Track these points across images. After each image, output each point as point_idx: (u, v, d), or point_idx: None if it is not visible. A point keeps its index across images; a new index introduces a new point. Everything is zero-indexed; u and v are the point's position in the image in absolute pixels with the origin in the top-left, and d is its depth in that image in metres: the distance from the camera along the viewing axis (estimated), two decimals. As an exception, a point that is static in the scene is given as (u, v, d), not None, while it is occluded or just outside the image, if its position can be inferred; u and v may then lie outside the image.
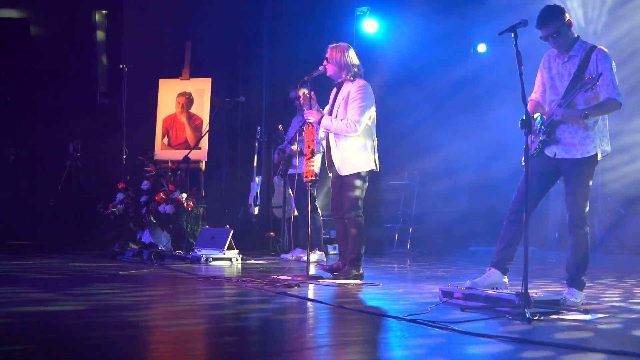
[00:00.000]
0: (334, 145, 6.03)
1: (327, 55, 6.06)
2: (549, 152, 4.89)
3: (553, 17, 4.80)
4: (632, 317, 4.48)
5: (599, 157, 4.82)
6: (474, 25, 11.92)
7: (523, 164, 4.41)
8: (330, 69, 6.04)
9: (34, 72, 10.47)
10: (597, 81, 4.56)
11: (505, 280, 4.98)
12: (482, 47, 12.13)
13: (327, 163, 6.14)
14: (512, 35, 4.40)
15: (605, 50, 4.81)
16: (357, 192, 5.97)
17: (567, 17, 4.83)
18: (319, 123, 5.99)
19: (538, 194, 4.95)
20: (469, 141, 11.83)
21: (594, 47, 4.82)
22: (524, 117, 4.30)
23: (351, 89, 5.99)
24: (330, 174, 6.18)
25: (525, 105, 4.32)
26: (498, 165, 10.82)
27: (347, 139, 5.95)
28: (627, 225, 10.07)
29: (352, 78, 6.03)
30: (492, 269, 5.00)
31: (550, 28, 4.79)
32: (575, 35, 4.88)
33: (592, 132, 4.79)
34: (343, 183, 6.03)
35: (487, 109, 11.61)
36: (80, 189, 9.80)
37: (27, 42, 10.46)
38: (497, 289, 4.76)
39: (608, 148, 4.88)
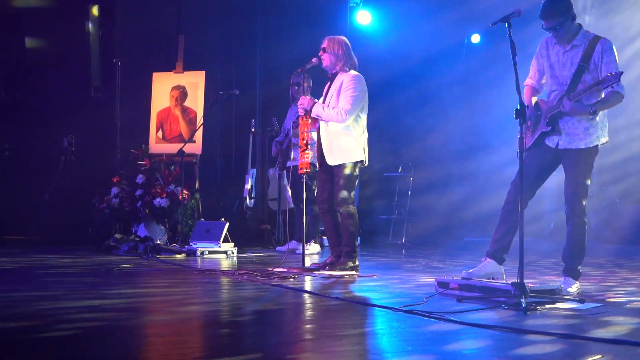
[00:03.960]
0: (324, 136, 6.00)
1: (324, 45, 6.05)
2: (550, 142, 4.88)
3: (558, 11, 4.74)
4: (628, 306, 4.49)
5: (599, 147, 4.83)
6: (467, 16, 11.90)
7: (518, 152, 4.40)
8: (326, 59, 6.03)
9: (27, 67, 10.44)
10: (618, 79, 4.52)
11: (502, 270, 4.99)
12: (475, 38, 12.12)
13: (318, 156, 6.09)
14: (506, 25, 4.39)
15: (610, 41, 4.78)
16: (349, 184, 5.92)
17: (572, 10, 4.79)
18: (310, 109, 5.97)
19: (535, 183, 4.95)
20: (463, 131, 11.83)
21: (597, 37, 4.78)
22: (519, 107, 4.28)
23: (344, 79, 5.98)
24: (319, 168, 6.13)
25: (520, 94, 4.31)
26: (494, 154, 10.81)
27: (337, 129, 5.93)
28: (621, 214, 10.08)
29: (347, 69, 6.02)
30: (488, 259, 5.01)
31: (553, 21, 4.75)
32: (578, 25, 4.85)
33: (594, 122, 4.79)
34: (333, 175, 6.01)
35: (480, 97, 11.60)
36: (75, 183, 9.77)
37: (20, 37, 10.42)
38: (493, 279, 4.77)
39: (606, 138, 4.88)
